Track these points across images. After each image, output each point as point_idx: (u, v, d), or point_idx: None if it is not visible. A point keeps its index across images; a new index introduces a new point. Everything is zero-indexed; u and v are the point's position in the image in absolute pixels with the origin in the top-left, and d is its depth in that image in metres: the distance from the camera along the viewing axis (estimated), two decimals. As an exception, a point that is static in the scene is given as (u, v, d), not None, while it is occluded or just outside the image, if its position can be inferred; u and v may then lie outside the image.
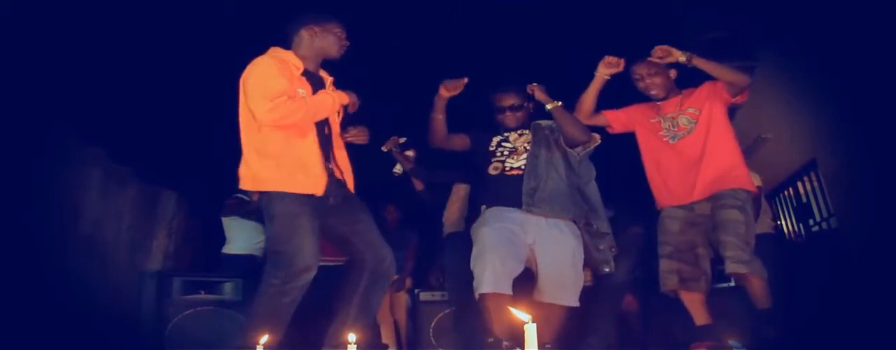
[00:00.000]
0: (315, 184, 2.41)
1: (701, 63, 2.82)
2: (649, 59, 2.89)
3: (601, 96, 3.04)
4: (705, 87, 2.94)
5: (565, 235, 2.76)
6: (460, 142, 3.09)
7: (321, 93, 2.51)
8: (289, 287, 2.27)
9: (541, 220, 2.76)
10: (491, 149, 2.99)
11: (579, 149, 2.93)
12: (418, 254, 5.25)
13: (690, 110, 2.92)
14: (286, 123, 2.35)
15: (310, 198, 2.38)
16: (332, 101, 2.52)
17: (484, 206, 2.91)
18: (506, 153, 2.95)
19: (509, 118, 3.01)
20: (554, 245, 2.73)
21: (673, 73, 3.02)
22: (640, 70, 3.00)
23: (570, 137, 2.90)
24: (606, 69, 2.94)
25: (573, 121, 2.90)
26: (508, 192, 2.84)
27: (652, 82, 2.98)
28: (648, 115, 3.04)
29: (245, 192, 3.59)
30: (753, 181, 3.02)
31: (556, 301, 2.69)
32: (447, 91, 2.88)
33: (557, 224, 2.77)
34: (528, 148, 2.91)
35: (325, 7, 2.63)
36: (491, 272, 2.62)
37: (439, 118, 2.96)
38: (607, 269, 2.87)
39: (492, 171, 2.94)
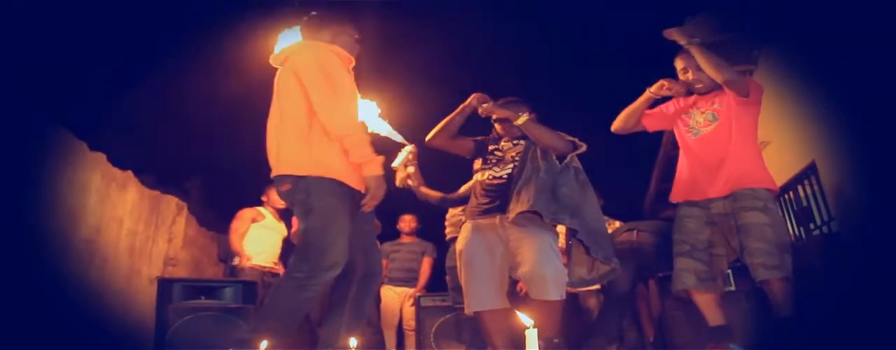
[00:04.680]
0: (361, 180, 2.38)
1: (696, 50, 2.78)
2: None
3: (621, 94, 2.98)
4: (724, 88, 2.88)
5: (536, 231, 2.70)
6: (462, 145, 3.08)
7: (375, 159, 2.38)
8: (311, 282, 2.23)
9: (512, 224, 2.73)
10: (486, 157, 3.00)
11: (568, 158, 2.87)
12: (436, 264, 5.25)
13: (717, 106, 2.86)
14: (343, 144, 2.30)
15: (351, 192, 2.35)
16: (376, 169, 2.38)
17: (463, 218, 2.93)
18: (493, 162, 2.95)
19: (508, 128, 2.99)
20: (525, 243, 2.70)
21: None
22: (688, 61, 2.90)
23: (548, 149, 2.84)
24: (660, 91, 2.90)
25: (547, 132, 2.85)
26: (488, 199, 2.85)
27: (699, 76, 2.88)
28: (682, 110, 2.97)
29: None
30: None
31: (539, 297, 2.63)
32: (478, 102, 2.92)
33: (529, 222, 2.72)
34: (515, 158, 2.89)
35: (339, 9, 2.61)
36: (475, 291, 2.71)
37: (457, 120, 2.98)
38: (609, 267, 2.80)
39: (479, 176, 2.95)
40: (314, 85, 2.32)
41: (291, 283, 2.25)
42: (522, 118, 2.84)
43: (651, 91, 2.94)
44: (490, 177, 2.90)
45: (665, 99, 3.09)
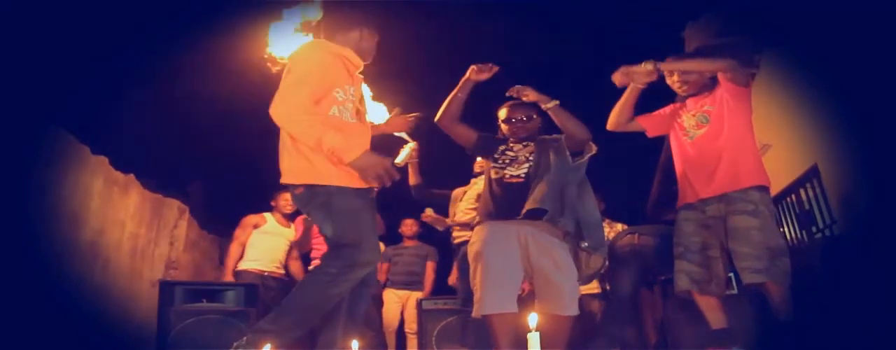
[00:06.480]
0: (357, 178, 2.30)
1: (669, 66, 2.78)
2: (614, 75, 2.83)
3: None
4: (720, 83, 2.86)
5: (553, 240, 2.72)
6: (466, 134, 3.01)
7: (368, 153, 2.28)
8: (342, 278, 2.22)
9: (530, 228, 2.73)
10: (495, 156, 2.99)
11: (580, 157, 2.87)
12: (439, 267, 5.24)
13: (707, 107, 2.85)
14: (303, 137, 2.21)
15: (357, 192, 2.31)
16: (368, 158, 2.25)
17: (477, 219, 2.92)
18: (507, 161, 2.93)
19: (516, 130, 2.98)
20: (542, 255, 2.71)
21: None
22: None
23: (571, 135, 2.84)
24: (641, 78, 2.87)
25: (572, 118, 2.84)
26: (506, 199, 2.82)
27: (684, 79, 2.88)
28: (676, 115, 2.97)
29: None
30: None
31: (552, 311, 2.63)
32: (477, 74, 2.85)
33: (546, 230, 2.73)
34: (529, 158, 2.89)
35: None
36: (491, 293, 2.68)
37: (459, 97, 2.91)
38: (601, 260, 2.80)
39: (493, 174, 2.94)
40: (285, 82, 2.27)
41: (323, 277, 2.23)
42: (553, 103, 2.83)
43: (635, 81, 2.90)
44: (507, 176, 2.88)
45: (663, 103, 3.09)
